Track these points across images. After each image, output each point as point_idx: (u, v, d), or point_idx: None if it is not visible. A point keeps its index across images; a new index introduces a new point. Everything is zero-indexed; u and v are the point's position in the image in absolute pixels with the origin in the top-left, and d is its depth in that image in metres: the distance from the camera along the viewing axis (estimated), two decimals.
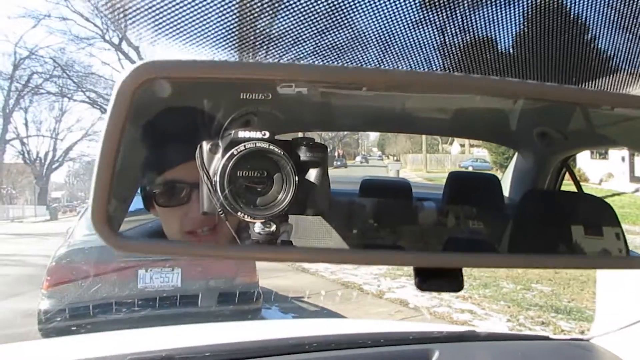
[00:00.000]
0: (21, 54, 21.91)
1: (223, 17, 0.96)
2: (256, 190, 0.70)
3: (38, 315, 4.01)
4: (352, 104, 1.26)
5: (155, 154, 0.88)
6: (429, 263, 0.61)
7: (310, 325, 2.42)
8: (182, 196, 0.87)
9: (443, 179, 1.51)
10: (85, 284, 4.04)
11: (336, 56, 1.15)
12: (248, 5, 1.02)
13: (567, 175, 1.57)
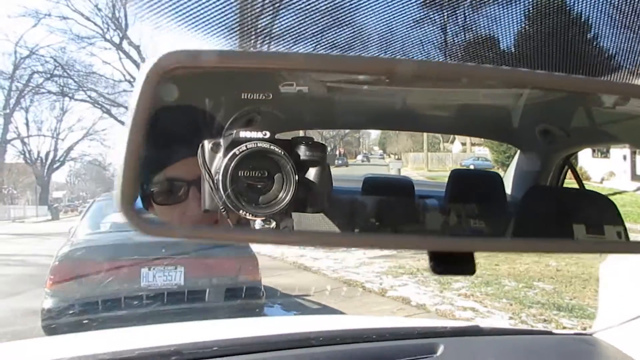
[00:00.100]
0: (22, 53, 21.90)
1: (224, 16, 0.97)
2: (258, 188, 0.72)
3: (41, 313, 4.03)
4: (354, 101, 1.27)
5: (153, 152, 0.88)
6: (444, 247, 0.64)
7: (315, 321, 2.45)
8: (180, 194, 0.88)
9: (444, 177, 1.52)
10: (88, 283, 4.06)
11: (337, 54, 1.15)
12: (249, 3, 1.03)
13: (569, 174, 1.58)
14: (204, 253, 4.51)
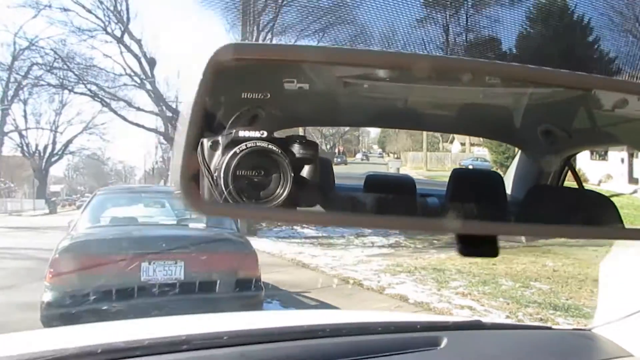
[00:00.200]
0: (21, 44, 21.61)
1: (226, 14, 0.99)
2: (257, 185, 0.76)
3: (41, 306, 4.03)
4: (357, 98, 1.29)
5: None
6: (470, 230, 0.68)
7: (321, 314, 2.49)
8: None
9: (443, 177, 1.53)
10: (89, 276, 4.06)
11: None
12: (252, 0, 1.05)
13: (568, 175, 1.60)
14: (204, 248, 4.53)
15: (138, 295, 4.09)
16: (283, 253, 10.49)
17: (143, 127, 22.29)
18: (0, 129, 27.51)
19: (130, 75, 20.43)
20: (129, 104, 21.13)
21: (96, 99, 21.29)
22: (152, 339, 0.93)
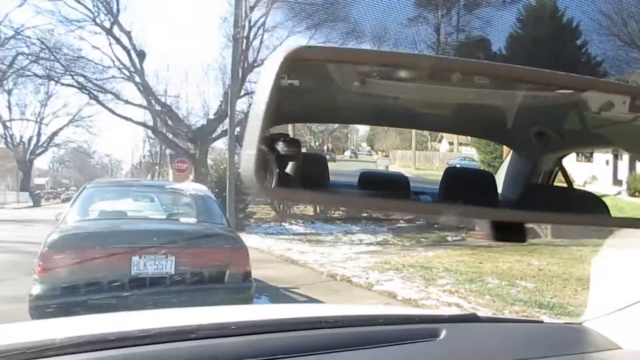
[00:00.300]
0: (6, 33, 21.19)
1: (217, 10, 1.01)
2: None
3: (29, 299, 3.99)
4: (347, 96, 1.31)
5: None
6: (501, 217, 0.79)
7: (322, 307, 2.53)
8: None
9: (431, 176, 1.57)
10: (79, 269, 4.04)
11: None
12: None
13: (558, 176, 1.64)
14: (195, 243, 4.54)
15: (128, 289, 4.08)
16: (271, 249, 10.51)
17: (131, 120, 22.09)
18: None
19: (119, 68, 20.21)
20: (117, 97, 20.91)
21: (83, 91, 21.01)
22: (161, 327, 0.95)
